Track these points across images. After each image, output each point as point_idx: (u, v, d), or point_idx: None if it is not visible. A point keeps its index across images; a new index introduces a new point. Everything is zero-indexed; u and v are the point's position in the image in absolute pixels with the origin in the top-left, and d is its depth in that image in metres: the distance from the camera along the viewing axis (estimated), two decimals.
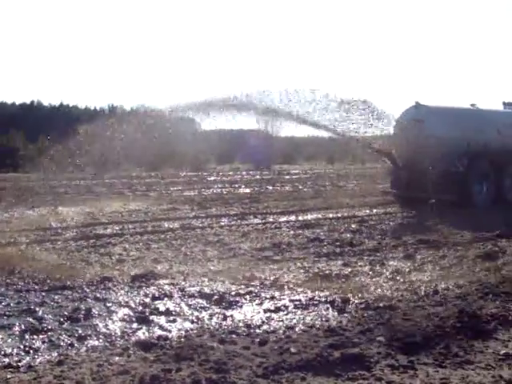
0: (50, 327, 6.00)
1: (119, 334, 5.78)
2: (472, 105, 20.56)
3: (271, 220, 14.86)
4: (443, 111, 19.07)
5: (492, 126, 18.84)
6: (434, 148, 16.52)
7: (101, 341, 5.59)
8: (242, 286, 7.71)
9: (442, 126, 17.54)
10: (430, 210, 14.73)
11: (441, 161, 16.57)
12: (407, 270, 8.68)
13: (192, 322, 6.20)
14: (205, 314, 6.46)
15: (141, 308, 6.71)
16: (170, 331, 5.84)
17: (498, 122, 19.24)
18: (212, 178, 35.39)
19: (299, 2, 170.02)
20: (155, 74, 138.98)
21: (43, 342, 5.53)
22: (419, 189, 16.56)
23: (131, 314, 6.48)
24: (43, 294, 7.40)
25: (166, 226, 13.94)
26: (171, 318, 6.34)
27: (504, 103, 21.98)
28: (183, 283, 7.90)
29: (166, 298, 7.13)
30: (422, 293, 7.31)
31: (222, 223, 14.39)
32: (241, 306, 6.82)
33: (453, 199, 16.51)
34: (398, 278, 8.17)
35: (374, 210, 17.09)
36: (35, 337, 5.69)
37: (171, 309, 6.66)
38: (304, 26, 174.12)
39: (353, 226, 13.49)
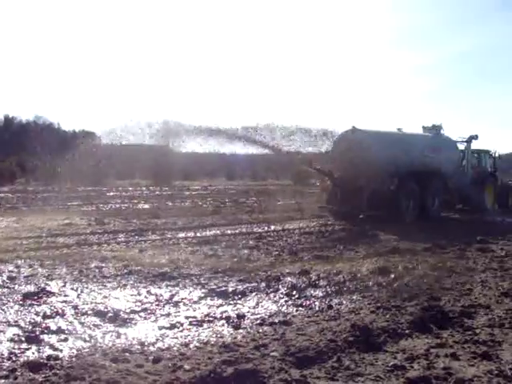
0: None
1: (6, 355, 5.49)
2: (399, 129, 22.46)
3: (169, 236, 14.73)
4: (376, 135, 20.67)
5: (416, 148, 20.83)
6: (368, 168, 18.38)
7: None
8: (138, 303, 7.58)
9: (375, 148, 19.20)
10: (358, 223, 16.65)
11: (374, 180, 18.56)
12: (303, 285, 8.80)
13: (84, 340, 6.01)
14: (98, 332, 6.29)
15: (31, 327, 6.44)
16: (61, 351, 5.63)
17: (421, 145, 21.30)
18: (111, 194, 34.76)
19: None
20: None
21: None
22: (353, 205, 18.81)
23: (20, 333, 6.20)
24: None
25: (62, 241, 13.55)
26: (63, 336, 6.12)
27: (423, 127, 23.71)
28: (77, 301, 7.68)
29: (58, 317, 6.89)
30: (317, 308, 7.45)
31: (120, 239, 14.12)
32: (135, 324, 6.69)
33: (384, 215, 18.39)
34: (293, 293, 8.27)
35: (272, 227, 17.29)
36: None
37: (63, 327, 6.44)
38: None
39: (251, 242, 13.57)
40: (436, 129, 23.30)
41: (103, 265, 10.37)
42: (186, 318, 6.92)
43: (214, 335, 6.23)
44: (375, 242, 13.93)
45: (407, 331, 6.40)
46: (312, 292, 8.39)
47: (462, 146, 24.42)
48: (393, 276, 9.56)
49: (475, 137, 24.25)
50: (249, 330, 6.44)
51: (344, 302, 7.77)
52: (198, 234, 15.23)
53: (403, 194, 19.43)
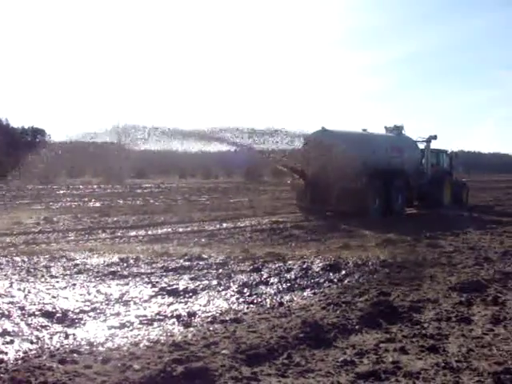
0: None
1: None
2: (364, 129, 23.67)
3: (120, 234, 14.59)
4: (345, 135, 21.84)
5: (381, 148, 22.08)
6: (337, 167, 19.44)
7: None
8: (87, 303, 7.46)
9: (343, 147, 19.93)
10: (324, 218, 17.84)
11: (343, 178, 19.44)
12: (254, 283, 8.80)
13: (31, 342, 5.88)
14: (45, 334, 6.16)
15: None
16: (6, 353, 5.48)
17: (385, 145, 22.52)
18: (62, 192, 34.22)
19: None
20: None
21: None
22: (323, 202, 19.90)
23: None
24: None
25: (9, 240, 13.29)
26: (8, 339, 5.96)
27: (386, 127, 24.88)
28: (24, 301, 7.51)
29: (3, 318, 6.72)
30: (268, 305, 7.46)
31: (69, 238, 13.91)
32: (84, 324, 6.59)
33: (352, 211, 19.19)
34: (244, 291, 8.26)
35: (224, 224, 17.27)
36: None
37: (9, 329, 6.28)
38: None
39: (203, 240, 13.52)
40: (398, 129, 24.41)
41: (52, 264, 10.20)
42: (137, 316, 6.84)
43: (165, 334, 6.17)
44: (327, 238, 14.02)
45: (357, 327, 6.45)
46: (263, 289, 8.40)
47: (421, 146, 25.55)
48: (343, 272, 9.65)
49: (434, 137, 25.58)
50: (199, 328, 6.40)
51: (295, 299, 7.79)
52: (150, 232, 15.13)
53: (370, 191, 20.50)
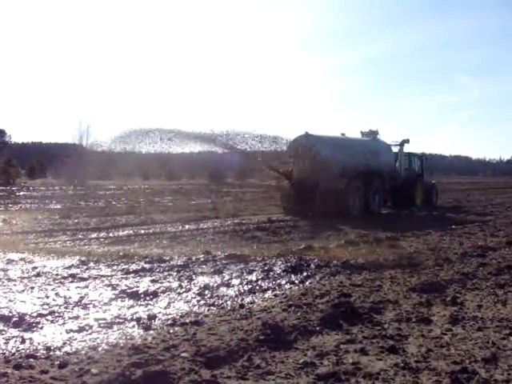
0: None
1: None
2: (342, 134, 25.11)
3: (81, 236, 14.39)
4: (326, 139, 23.02)
5: (360, 151, 23.44)
6: (320, 169, 20.89)
7: None
8: (45, 306, 7.34)
9: (326, 151, 21.52)
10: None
11: (325, 180, 20.82)
12: (215, 285, 8.76)
13: None
14: (1, 338, 6.00)
15: None
16: None
17: (363, 149, 23.90)
18: (21, 193, 33.68)
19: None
20: None
21: None
22: (307, 203, 21.07)
23: None
24: None
25: None
26: None
27: (361, 132, 26.30)
28: None
29: None
30: (229, 307, 7.43)
31: (28, 240, 13.68)
32: (42, 328, 6.45)
33: (334, 211, 20.23)
34: (205, 293, 8.21)
35: (187, 226, 17.19)
36: None
37: None
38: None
39: (164, 241, 13.43)
40: (373, 134, 25.73)
41: (9, 267, 10.01)
42: (96, 320, 6.74)
43: (124, 337, 6.08)
44: (290, 240, 14.06)
45: (318, 328, 6.45)
46: (224, 291, 8.36)
47: (395, 149, 26.89)
48: (305, 274, 9.68)
49: (407, 141, 27.01)
50: (159, 330, 6.34)
51: (256, 301, 7.78)
52: (111, 234, 14.97)
53: (351, 192, 21.77)
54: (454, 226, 17.70)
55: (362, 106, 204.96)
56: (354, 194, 22.01)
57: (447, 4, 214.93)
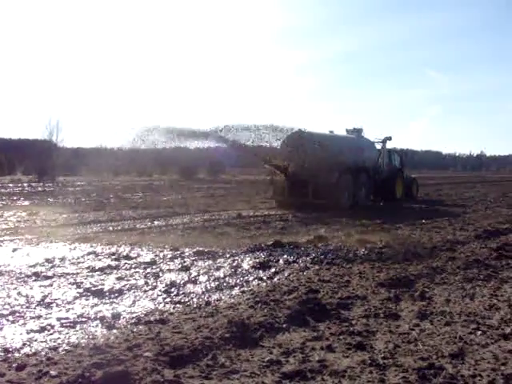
0: None
1: None
2: (330, 131, 26.49)
3: (47, 234, 14.10)
4: (318, 136, 24.07)
5: (347, 147, 24.64)
6: (313, 164, 21.98)
7: None
8: (6, 306, 7.15)
9: (317, 147, 22.49)
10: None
11: (318, 174, 21.85)
12: (182, 282, 8.63)
13: None
14: None
15: None
16: None
17: (350, 145, 25.27)
18: None
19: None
20: None
21: None
22: (300, 196, 22.38)
23: None
24: None
25: None
26: None
27: (347, 130, 27.53)
28: None
29: None
30: (195, 305, 7.31)
31: None
32: (1, 329, 6.26)
33: (326, 203, 21.49)
34: (171, 290, 8.08)
35: (156, 222, 17.02)
36: None
37: None
38: None
39: (133, 238, 13.23)
40: (358, 132, 26.92)
41: None
42: (58, 319, 6.59)
43: (86, 337, 5.94)
44: (259, 236, 13.95)
45: (285, 325, 6.37)
46: (191, 288, 8.24)
47: (378, 146, 28.20)
48: (273, 270, 9.60)
49: (389, 138, 28.41)
50: (123, 329, 6.20)
51: (223, 298, 7.67)
52: (79, 231, 14.71)
53: (341, 185, 22.94)
54: (424, 221, 17.75)
55: (335, 100, 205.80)
56: (344, 187, 23.16)
57: (418, 0, 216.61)
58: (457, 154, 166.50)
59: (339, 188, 22.78)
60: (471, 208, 23.69)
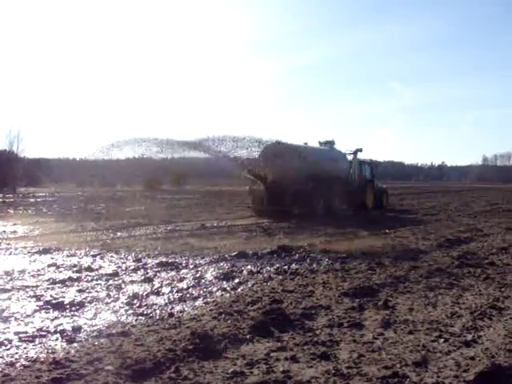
0: None
1: None
2: (305, 143, 27.36)
3: (6, 245, 13.84)
4: (294, 147, 25.10)
5: (321, 158, 25.62)
6: (290, 174, 22.90)
7: None
8: None
9: (294, 158, 23.52)
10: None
11: (295, 183, 22.92)
12: (145, 293, 8.52)
13: None
14: None
15: None
16: None
17: (323, 156, 26.25)
18: None
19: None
20: None
21: None
22: (279, 204, 23.17)
23: None
24: None
25: None
26: None
27: (319, 142, 28.60)
28: None
29: None
30: (157, 316, 7.21)
31: None
32: None
33: (303, 211, 22.60)
34: (134, 302, 7.97)
35: (119, 233, 16.83)
36: None
37: None
38: None
39: (94, 250, 13.04)
40: (330, 143, 27.84)
41: None
42: (16, 333, 6.39)
43: (46, 351, 5.79)
44: (223, 246, 13.88)
45: (248, 336, 6.31)
46: (154, 300, 8.13)
47: (349, 157, 29.01)
48: (237, 281, 9.54)
49: (360, 150, 29.28)
50: (84, 343, 6.06)
51: (186, 309, 7.58)
52: (39, 243, 14.43)
53: (317, 194, 23.70)
54: (387, 230, 17.89)
55: (302, 110, 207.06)
56: (319, 197, 23.95)
57: (383, 12, 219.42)
58: (419, 165, 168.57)
59: (315, 197, 23.56)
60: (433, 217, 23.99)
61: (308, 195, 23.16)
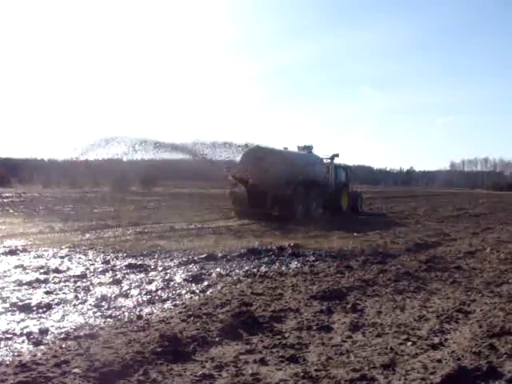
0: None
1: None
2: (285, 148, 27.98)
3: None
4: (274, 151, 25.62)
5: (301, 163, 25.89)
6: (271, 177, 23.37)
7: None
8: None
9: (275, 162, 24.00)
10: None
11: (276, 186, 23.40)
12: (113, 295, 8.45)
13: None
14: None
15: None
16: None
17: (302, 160, 26.47)
18: None
19: None
20: None
21: None
22: (260, 206, 23.82)
23: None
24: None
25: None
26: None
27: (298, 147, 29.07)
28: None
29: None
30: (126, 319, 7.16)
31: None
32: None
33: (283, 214, 23.51)
34: (102, 304, 7.91)
35: (87, 235, 16.65)
36: None
37: None
38: None
39: (62, 251, 12.90)
40: (308, 148, 28.54)
41: None
42: None
43: (11, 354, 5.71)
44: (192, 248, 13.83)
45: (217, 339, 6.31)
46: (122, 302, 8.08)
47: (326, 162, 29.56)
48: (206, 283, 9.53)
49: (337, 155, 30.00)
50: (51, 345, 6.00)
51: (155, 312, 7.55)
52: (5, 244, 14.22)
53: (296, 197, 24.06)
54: (355, 234, 18.02)
55: (273, 115, 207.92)
56: (298, 199, 24.22)
57: (355, 18, 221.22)
58: (388, 169, 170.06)
59: (294, 200, 23.96)
60: (402, 221, 24.23)
61: (288, 199, 23.62)
